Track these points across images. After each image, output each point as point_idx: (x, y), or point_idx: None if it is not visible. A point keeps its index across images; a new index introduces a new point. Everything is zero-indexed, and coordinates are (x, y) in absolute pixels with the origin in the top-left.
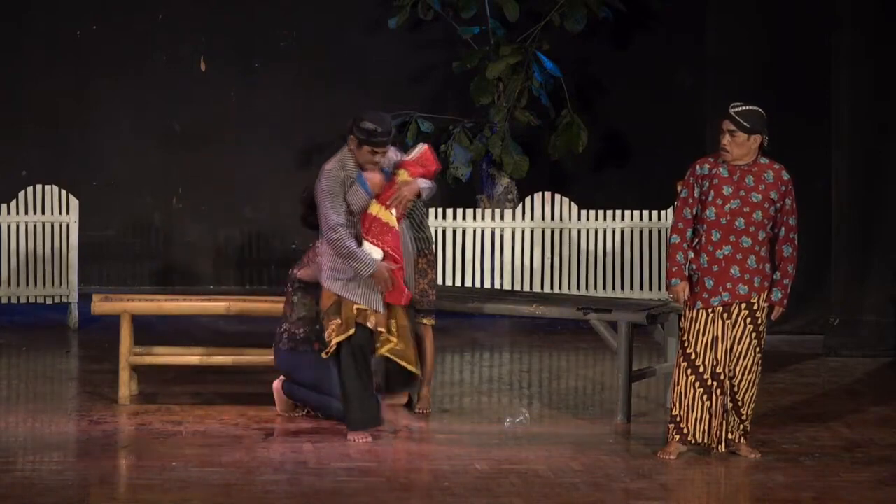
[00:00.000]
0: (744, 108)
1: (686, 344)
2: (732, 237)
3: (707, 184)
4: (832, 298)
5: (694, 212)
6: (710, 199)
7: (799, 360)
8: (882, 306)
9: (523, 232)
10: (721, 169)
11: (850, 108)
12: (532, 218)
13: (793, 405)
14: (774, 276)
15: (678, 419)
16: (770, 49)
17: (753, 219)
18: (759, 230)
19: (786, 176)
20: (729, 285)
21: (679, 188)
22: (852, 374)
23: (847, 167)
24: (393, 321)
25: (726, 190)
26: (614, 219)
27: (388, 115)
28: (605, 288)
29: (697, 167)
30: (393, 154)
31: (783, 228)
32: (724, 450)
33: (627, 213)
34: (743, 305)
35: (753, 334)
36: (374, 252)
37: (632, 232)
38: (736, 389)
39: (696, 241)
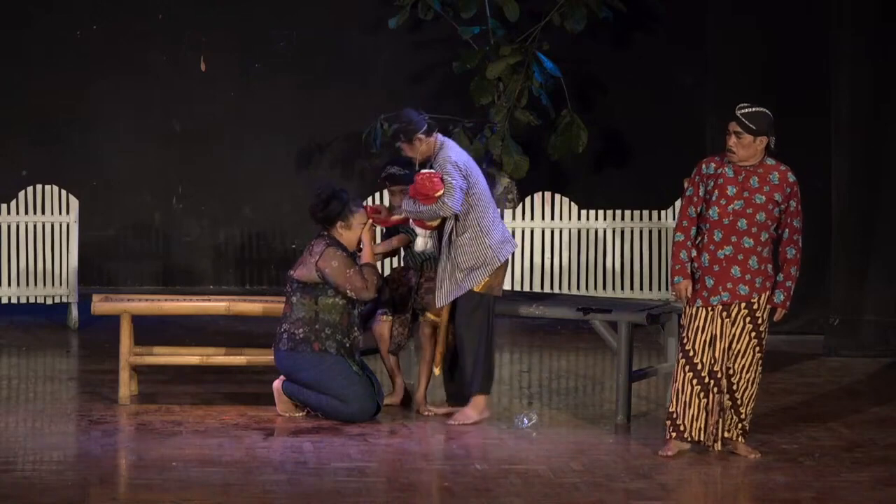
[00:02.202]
0: (750, 109)
1: (685, 341)
2: (734, 237)
3: (712, 183)
4: (832, 298)
5: (699, 210)
6: (714, 198)
7: (799, 360)
8: (882, 306)
9: (523, 232)
10: (727, 169)
11: (850, 108)
12: (532, 218)
13: (793, 405)
14: (777, 278)
15: (675, 416)
16: (770, 49)
17: (756, 220)
18: (762, 231)
19: (791, 178)
20: (729, 285)
21: (686, 186)
22: (852, 374)
23: (847, 167)
24: (442, 312)
25: (730, 190)
26: (614, 219)
27: (405, 116)
28: (605, 288)
29: (703, 166)
30: (441, 157)
31: (787, 230)
32: (719, 448)
33: (627, 213)
34: (743, 305)
35: (753, 333)
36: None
37: (632, 232)
38: (735, 388)
39: (699, 239)
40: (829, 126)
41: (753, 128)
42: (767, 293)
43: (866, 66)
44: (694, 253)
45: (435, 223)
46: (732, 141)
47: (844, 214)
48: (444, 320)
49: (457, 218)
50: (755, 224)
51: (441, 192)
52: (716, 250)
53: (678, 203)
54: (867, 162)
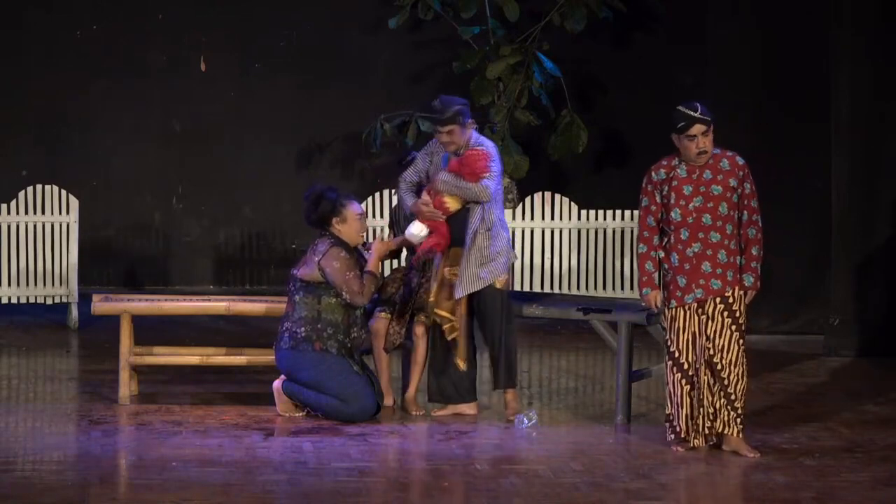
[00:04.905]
0: (699, 104)
1: (669, 342)
2: (701, 234)
3: (666, 188)
4: (832, 298)
5: (658, 217)
6: (672, 201)
7: (799, 360)
8: (882, 306)
9: (523, 232)
10: (678, 170)
11: (850, 108)
12: (532, 218)
13: (793, 405)
14: (741, 262)
15: (671, 417)
16: (770, 49)
17: (719, 213)
18: (727, 223)
19: (741, 161)
20: (702, 282)
21: (640, 196)
22: (852, 374)
23: (847, 167)
24: (458, 308)
25: (686, 190)
26: (614, 219)
27: (457, 100)
28: (605, 288)
29: (653, 174)
30: (486, 147)
31: (746, 212)
32: (700, 444)
33: (627, 213)
34: (718, 300)
35: (733, 327)
36: (414, 226)
37: (632, 232)
38: (726, 382)
39: (666, 240)
40: (829, 126)
41: (711, 118)
42: (739, 285)
43: (866, 66)
44: (661, 254)
45: (454, 207)
46: (703, 142)
47: (844, 214)
48: (463, 314)
49: (482, 212)
50: (719, 217)
51: (487, 174)
52: (684, 249)
53: None
54: (867, 162)
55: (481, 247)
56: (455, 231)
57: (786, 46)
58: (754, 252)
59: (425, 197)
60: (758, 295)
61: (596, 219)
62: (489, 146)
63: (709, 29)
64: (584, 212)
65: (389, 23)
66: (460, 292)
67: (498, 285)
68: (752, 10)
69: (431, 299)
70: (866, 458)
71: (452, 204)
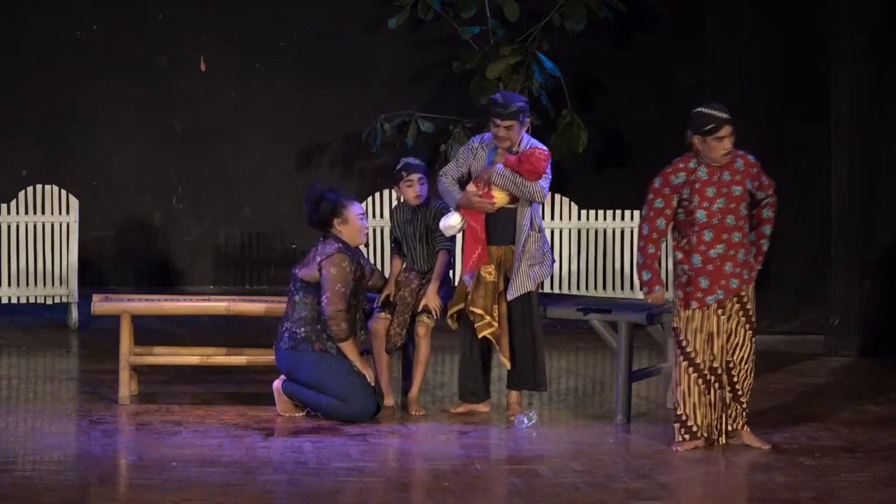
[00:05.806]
0: (721, 105)
1: (685, 343)
2: (725, 235)
3: (688, 191)
4: (832, 298)
5: (670, 220)
6: (695, 203)
7: (799, 360)
8: (882, 306)
9: None
10: (699, 172)
11: (850, 108)
12: None
13: (793, 405)
14: (752, 237)
15: (684, 418)
16: (770, 49)
17: (741, 213)
18: (745, 223)
19: (752, 159)
20: (723, 282)
21: (650, 196)
22: (852, 374)
23: (847, 167)
24: (496, 307)
25: (710, 191)
26: (614, 219)
27: (518, 97)
28: (605, 288)
29: (672, 177)
30: (542, 149)
31: (766, 199)
32: (724, 441)
33: (627, 213)
34: (734, 298)
35: (747, 325)
36: (452, 217)
37: (632, 232)
38: (736, 379)
39: (685, 241)
40: (829, 126)
41: (732, 118)
42: (753, 283)
43: (866, 66)
44: (680, 255)
45: (501, 203)
46: (729, 142)
47: (844, 214)
48: (503, 313)
49: (531, 214)
50: (740, 217)
51: (545, 175)
52: (707, 250)
53: None
54: (867, 162)
55: (532, 249)
56: (490, 228)
57: (786, 46)
58: (766, 231)
59: (472, 187)
60: (757, 285)
61: (596, 219)
62: (545, 148)
63: (709, 29)
64: (584, 212)
65: (389, 23)
66: (513, 293)
67: (535, 286)
68: (752, 10)
69: (469, 297)
70: (866, 458)
71: (500, 199)
